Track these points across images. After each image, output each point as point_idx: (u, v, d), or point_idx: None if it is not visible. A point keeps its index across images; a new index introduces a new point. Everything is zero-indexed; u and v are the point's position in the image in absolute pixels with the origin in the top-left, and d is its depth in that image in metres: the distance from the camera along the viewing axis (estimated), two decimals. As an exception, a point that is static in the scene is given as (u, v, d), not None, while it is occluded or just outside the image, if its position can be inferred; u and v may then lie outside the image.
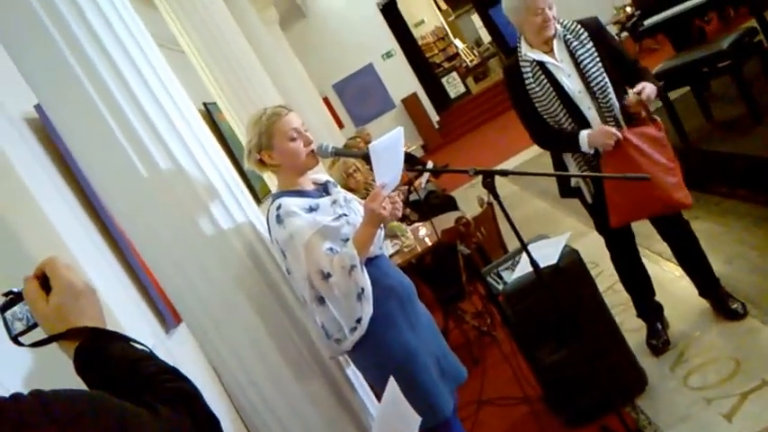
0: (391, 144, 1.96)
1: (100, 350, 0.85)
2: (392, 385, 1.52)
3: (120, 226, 2.89)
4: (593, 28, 2.72)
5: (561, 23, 2.71)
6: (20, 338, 0.93)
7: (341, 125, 12.91)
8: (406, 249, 3.88)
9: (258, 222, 2.29)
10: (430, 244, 3.79)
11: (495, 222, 3.78)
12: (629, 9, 8.65)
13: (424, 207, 4.35)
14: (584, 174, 2.17)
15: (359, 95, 13.98)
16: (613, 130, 2.57)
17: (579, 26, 2.70)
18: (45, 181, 2.81)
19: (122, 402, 0.72)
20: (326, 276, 1.93)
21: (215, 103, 5.69)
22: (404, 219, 4.45)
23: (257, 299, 2.17)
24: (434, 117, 14.31)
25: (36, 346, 0.89)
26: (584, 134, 2.61)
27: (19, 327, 0.93)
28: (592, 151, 2.64)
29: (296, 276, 2.01)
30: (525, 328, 2.68)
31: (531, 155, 7.29)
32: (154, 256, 2.15)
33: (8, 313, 0.93)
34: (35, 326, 0.93)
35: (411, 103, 13.91)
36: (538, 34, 2.66)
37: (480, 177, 2.00)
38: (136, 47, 2.09)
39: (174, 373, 0.86)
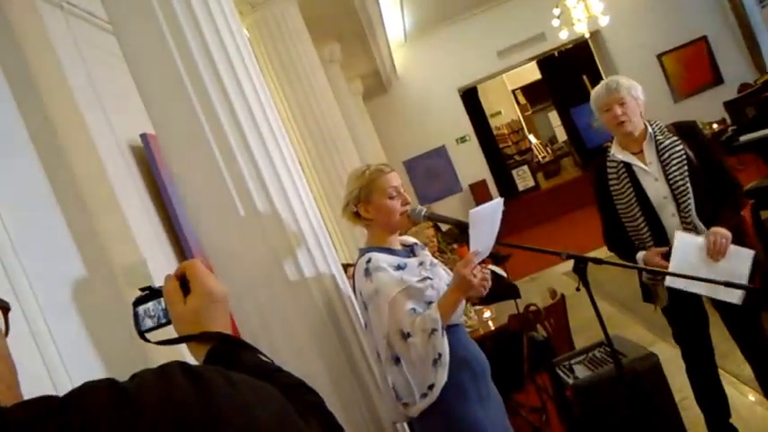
0: (491, 213, 1.98)
1: (233, 356, 0.85)
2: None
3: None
4: (686, 131, 2.66)
5: (653, 124, 2.68)
6: (147, 335, 0.95)
7: (406, 201, 13.00)
8: (468, 330, 3.80)
9: (338, 275, 2.32)
10: (493, 327, 3.71)
11: (565, 316, 3.68)
12: (715, 126, 8.61)
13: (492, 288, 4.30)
14: (684, 275, 2.11)
15: (428, 174, 14.14)
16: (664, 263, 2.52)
17: (672, 128, 2.67)
18: (139, 208, 2.92)
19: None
20: (406, 336, 1.91)
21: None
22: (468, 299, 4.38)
23: (326, 351, 2.17)
24: (500, 206, 14.26)
25: (164, 344, 0.91)
26: (639, 256, 2.61)
27: (149, 323, 0.95)
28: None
29: (374, 332, 2.01)
30: (590, 426, 2.56)
31: (598, 256, 7.13)
32: (236, 291, 2.19)
33: (140, 308, 0.96)
34: (164, 325, 0.95)
35: (478, 189, 13.95)
36: (616, 131, 2.67)
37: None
38: (255, 98, 2.22)
39: (308, 388, 0.85)
